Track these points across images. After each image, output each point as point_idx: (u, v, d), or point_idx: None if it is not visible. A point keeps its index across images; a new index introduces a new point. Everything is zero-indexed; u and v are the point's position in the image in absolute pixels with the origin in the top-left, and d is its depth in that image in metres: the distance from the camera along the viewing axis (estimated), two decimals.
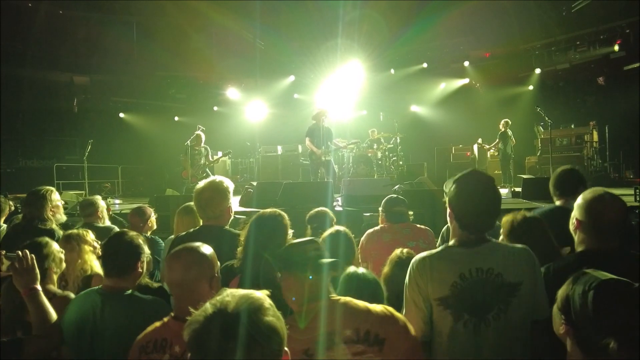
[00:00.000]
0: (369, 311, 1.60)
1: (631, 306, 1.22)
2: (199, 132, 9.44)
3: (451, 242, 1.93)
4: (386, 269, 2.50)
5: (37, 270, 2.04)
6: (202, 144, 9.48)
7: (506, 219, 2.40)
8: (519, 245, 1.93)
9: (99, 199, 4.09)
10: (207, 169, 9.45)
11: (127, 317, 2.01)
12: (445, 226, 3.26)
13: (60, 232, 3.47)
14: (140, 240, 2.24)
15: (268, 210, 2.40)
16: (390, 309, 1.66)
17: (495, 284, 1.79)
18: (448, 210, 1.95)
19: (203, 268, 1.78)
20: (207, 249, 1.86)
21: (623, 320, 1.21)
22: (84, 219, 3.93)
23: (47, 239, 2.43)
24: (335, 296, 1.66)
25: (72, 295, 2.32)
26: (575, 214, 2.07)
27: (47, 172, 13.53)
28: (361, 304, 1.63)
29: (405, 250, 2.57)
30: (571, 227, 2.10)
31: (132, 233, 2.25)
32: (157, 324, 1.74)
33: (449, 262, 1.84)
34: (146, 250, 2.25)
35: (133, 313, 2.02)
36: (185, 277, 1.75)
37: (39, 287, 2.01)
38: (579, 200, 2.07)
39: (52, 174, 13.10)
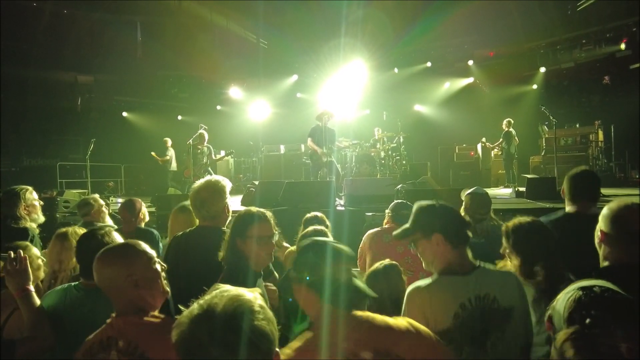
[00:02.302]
0: (391, 328, 1.48)
1: (602, 310, 1.16)
2: (201, 131, 9.43)
3: (440, 269, 1.88)
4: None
5: (30, 272, 2.01)
6: (205, 143, 9.47)
7: (513, 222, 2.29)
8: (506, 269, 1.94)
9: (93, 198, 4.06)
10: (210, 168, 9.44)
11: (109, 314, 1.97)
12: None
13: (35, 231, 3.43)
14: (114, 237, 2.17)
15: (254, 209, 2.30)
16: (415, 323, 1.52)
17: (492, 310, 1.77)
18: (435, 239, 1.90)
19: (117, 268, 1.68)
20: (131, 246, 1.75)
21: (588, 319, 1.15)
22: (82, 218, 3.92)
23: (27, 243, 2.38)
24: (357, 312, 1.52)
25: None
26: (600, 225, 1.94)
27: (50, 171, 13.57)
28: (380, 319, 1.50)
29: (387, 261, 2.51)
30: (596, 240, 1.97)
31: (102, 231, 2.17)
32: (103, 327, 1.69)
33: (449, 291, 1.79)
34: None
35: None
36: (99, 277, 1.70)
37: (31, 288, 1.99)
38: (605, 210, 1.94)
39: (56, 172, 13.13)
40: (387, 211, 3.70)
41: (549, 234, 2.23)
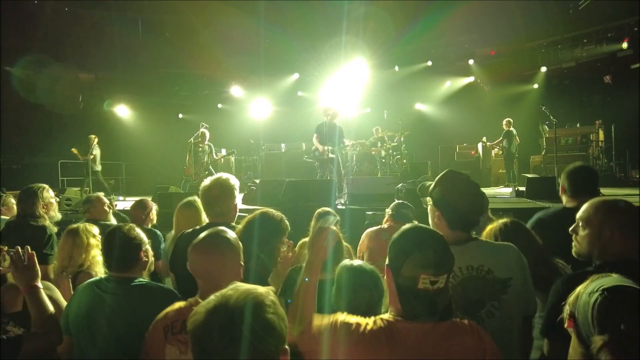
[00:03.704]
0: (462, 343, 1.41)
1: (633, 313, 1.21)
2: (203, 129, 9.45)
3: None
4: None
5: (38, 268, 2.03)
6: (206, 142, 9.49)
7: (490, 227, 2.33)
8: (504, 243, 1.93)
9: (96, 196, 4.12)
10: (210, 167, 9.45)
11: (139, 304, 2.03)
12: None
13: (53, 229, 3.47)
14: (138, 231, 2.25)
15: (273, 211, 2.41)
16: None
17: (487, 281, 1.77)
18: (435, 212, 1.91)
19: (229, 258, 1.76)
20: (232, 235, 1.84)
21: (622, 325, 1.20)
22: (84, 215, 3.97)
23: None
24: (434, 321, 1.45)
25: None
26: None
27: (52, 168, 13.58)
28: (471, 327, 1.45)
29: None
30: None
31: (127, 227, 2.24)
32: (182, 304, 1.72)
33: None
34: (145, 239, 2.26)
35: (145, 300, 2.05)
36: (208, 268, 1.74)
37: (39, 284, 2.00)
38: (596, 204, 1.89)
39: (57, 170, 13.14)
40: (387, 210, 3.76)
41: (526, 233, 2.31)
